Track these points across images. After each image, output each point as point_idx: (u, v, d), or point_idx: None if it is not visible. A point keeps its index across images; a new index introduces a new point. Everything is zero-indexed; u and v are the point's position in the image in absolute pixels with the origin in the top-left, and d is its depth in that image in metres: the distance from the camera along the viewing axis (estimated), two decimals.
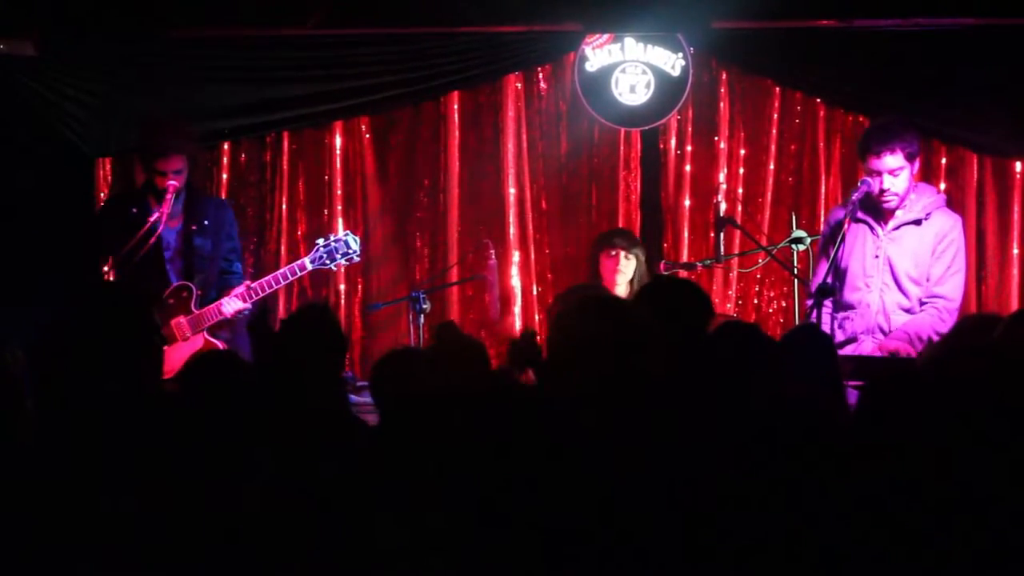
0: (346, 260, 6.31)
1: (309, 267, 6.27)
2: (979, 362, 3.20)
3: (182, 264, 6.24)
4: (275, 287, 6.26)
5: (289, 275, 6.27)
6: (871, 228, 5.89)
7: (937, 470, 2.97)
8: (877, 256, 5.87)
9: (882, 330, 5.83)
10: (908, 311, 5.84)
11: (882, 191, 5.78)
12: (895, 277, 5.85)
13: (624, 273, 6.50)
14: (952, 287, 5.85)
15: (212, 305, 6.16)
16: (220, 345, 6.12)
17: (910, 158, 5.81)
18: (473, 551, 2.63)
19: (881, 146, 5.77)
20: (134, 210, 6.17)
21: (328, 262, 6.27)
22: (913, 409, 3.14)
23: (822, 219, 6.86)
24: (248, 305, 6.15)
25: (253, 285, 6.17)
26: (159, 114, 6.44)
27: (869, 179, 5.80)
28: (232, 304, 6.14)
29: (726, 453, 3.15)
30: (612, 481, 3.03)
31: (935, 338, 5.64)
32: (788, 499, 2.99)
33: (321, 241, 6.32)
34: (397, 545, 2.90)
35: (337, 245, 6.27)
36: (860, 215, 5.86)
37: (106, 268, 6.09)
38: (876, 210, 5.88)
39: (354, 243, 6.30)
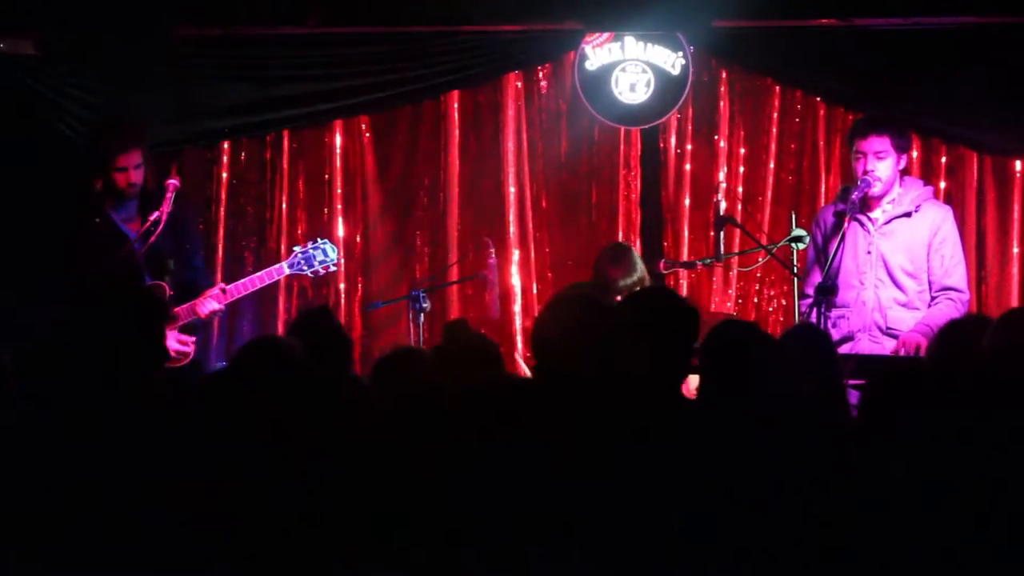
0: (323, 267, 6.33)
1: (287, 271, 6.31)
2: (972, 366, 3.20)
3: (146, 263, 6.21)
4: (251, 290, 6.28)
5: (267, 279, 6.29)
6: (861, 224, 5.91)
7: (938, 469, 2.97)
8: (869, 252, 5.89)
9: (879, 327, 5.84)
10: (905, 306, 5.85)
11: (865, 172, 5.80)
12: (889, 272, 5.86)
13: None
14: (959, 277, 5.90)
15: (187, 304, 6.16)
16: (192, 345, 6.14)
17: (897, 148, 5.84)
18: (472, 547, 2.63)
19: (870, 128, 5.85)
20: (96, 220, 6.15)
21: (305, 268, 6.31)
22: (914, 408, 3.14)
23: None
24: (222, 307, 6.17)
25: (228, 287, 6.18)
26: (108, 116, 6.48)
27: (868, 179, 5.81)
28: (207, 305, 6.14)
29: (726, 451, 3.15)
30: (610, 481, 3.03)
31: None
32: (790, 498, 2.99)
33: (298, 248, 6.35)
34: (400, 543, 2.90)
35: (315, 252, 6.30)
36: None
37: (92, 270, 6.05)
38: (866, 207, 5.89)
39: (332, 252, 6.34)
